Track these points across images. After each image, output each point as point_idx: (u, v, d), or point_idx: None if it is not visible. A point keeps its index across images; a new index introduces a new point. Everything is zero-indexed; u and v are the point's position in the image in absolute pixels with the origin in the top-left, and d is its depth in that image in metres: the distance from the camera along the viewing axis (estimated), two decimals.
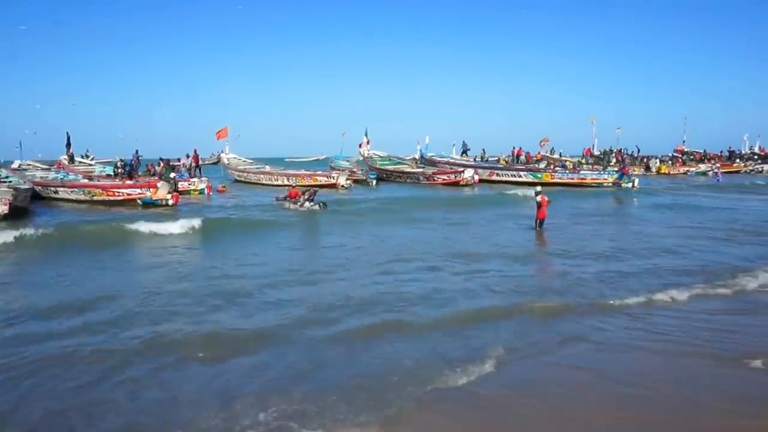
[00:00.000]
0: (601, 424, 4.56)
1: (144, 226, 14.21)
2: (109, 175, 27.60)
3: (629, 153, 47.84)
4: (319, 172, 31.33)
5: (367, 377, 5.30)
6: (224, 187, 27.98)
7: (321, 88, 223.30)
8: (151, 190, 19.71)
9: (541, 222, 14.19)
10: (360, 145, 40.29)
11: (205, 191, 25.06)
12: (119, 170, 27.70)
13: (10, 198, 16.18)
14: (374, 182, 32.44)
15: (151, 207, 19.16)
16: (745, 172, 46.03)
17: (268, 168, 34.17)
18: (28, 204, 18.73)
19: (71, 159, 32.16)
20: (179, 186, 23.48)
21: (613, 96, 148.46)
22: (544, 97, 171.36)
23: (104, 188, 21.01)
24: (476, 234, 14.50)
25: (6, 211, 15.89)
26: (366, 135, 40.07)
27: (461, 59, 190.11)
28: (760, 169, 46.63)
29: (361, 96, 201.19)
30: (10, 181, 20.83)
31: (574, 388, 5.18)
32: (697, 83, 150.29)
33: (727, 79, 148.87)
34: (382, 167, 36.76)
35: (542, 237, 13.71)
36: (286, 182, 30.52)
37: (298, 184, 28.98)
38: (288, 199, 19.86)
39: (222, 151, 36.41)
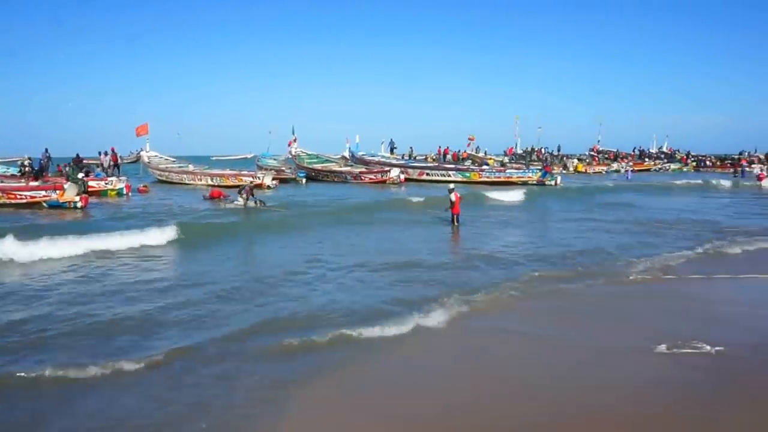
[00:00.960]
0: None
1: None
2: (13, 176, 25.59)
3: (549, 152, 50.17)
4: (245, 172, 30.71)
5: None
6: (146, 187, 26.87)
7: (254, 86, 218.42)
8: (58, 192, 18.48)
9: (456, 217, 15.01)
10: (288, 143, 39.94)
11: (124, 192, 23.97)
12: (26, 169, 25.93)
13: None
14: (304, 181, 32.16)
15: (58, 210, 17.68)
16: (655, 170, 49.61)
17: (191, 167, 33.08)
18: None
19: None
20: (96, 186, 22.44)
21: (535, 97, 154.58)
22: (470, 97, 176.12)
23: (4, 191, 19.38)
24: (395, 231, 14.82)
25: None
26: (293, 133, 39.77)
27: (388, 58, 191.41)
28: (667, 168, 50.58)
29: (291, 94, 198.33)
30: None
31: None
32: (610, 86, 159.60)
33: (637, 82, 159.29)
34: (310, 166, 36.63)
35: (457, 233, 14.49)
36: (210, 182, 29.77)
37: (221, 184, 28.45)
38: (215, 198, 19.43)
39: (142, 149, 34.83)
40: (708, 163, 52.18)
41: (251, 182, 19.59)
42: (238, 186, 23.13)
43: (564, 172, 43.37)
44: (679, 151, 57.08)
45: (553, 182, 30.63)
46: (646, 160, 52.62)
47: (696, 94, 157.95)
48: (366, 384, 5.29)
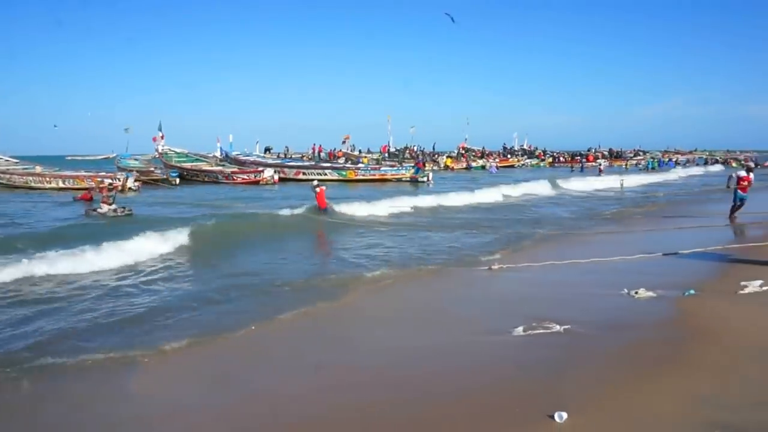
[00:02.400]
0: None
1: None
2: None
3: (422, 149, 52.35)
4: (103, 173, 28.26)
5: None
6: None
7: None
8: None
9: (324, 210, 16.22)
10: (153, 139, 37.59)
11: None
12: None
13: None
14: (177, 181, 30.34)
15: None
16: (519, 166, 53.91)
17: (39, 169, 29.80)
18: None
19: None
20: None
21: (408, 98, 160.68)
22: (347, 96, 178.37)
23: None
24: None
25: None
26: (160, 129, 37.45)
27: (263, 57, 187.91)
28: (529, 164, 55.31)
29: (156, 86, 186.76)
30: None
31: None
32: (479, 86, 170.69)
33: (502, 83, 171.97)
34: (179, 164, 34.72)
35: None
36: (62, 185, 27.01)
37: (75, 186, 25.89)
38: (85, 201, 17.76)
39: None
40: (561, 159, 57.66)
41: (109, 184, 17.71)
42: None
43: (435, 168, 45.41)
44: (537, 148, 62.51)
45: (425, 179, 31.85)
46: (509, 156, 57.01)
47: (552, 97, 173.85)
48: None
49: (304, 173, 33.53)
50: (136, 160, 35.22)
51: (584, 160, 53.02)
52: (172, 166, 33.41)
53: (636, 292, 7.61)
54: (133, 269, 9.80)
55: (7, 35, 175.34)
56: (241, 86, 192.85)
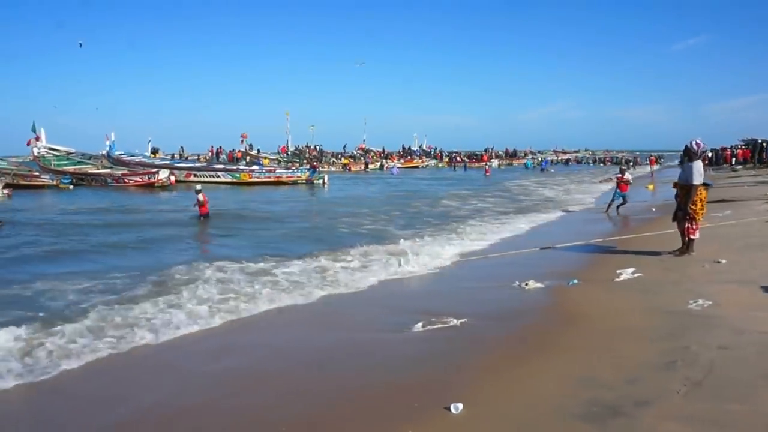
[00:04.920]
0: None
1: None
2: None
3: (321, 150, 52.00)
4: None
5: None
6: None
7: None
8: None
9: (205, 216, 16.22)
10: (28, 143, 34.27)
11: None
12: None
13: None
14: (71, 187, 27.95)
15: None
16: (423, 167, 54.85)
17: None
18: None
19: None
20: None
21: (306, 94, 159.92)
22: (241, 93, 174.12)
23: None
24: None
25: None
26: (34, 130, 34.11)
27: (162, 52, 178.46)
28: (432, 164, 56.47)
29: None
30: None
31: None
32: (377, 87, 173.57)
33: (401, 85, 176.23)
34: (59, 168, 31.90)
35: (205, 226, 15.74)
36: None
37: None
38: None
39: None
40: (459, 159, 59.68)
41: None
42: None
43: (333, 169, 45.32)
44: (436, 148, 64.17)
45: (320, 181, 31.61)
46: (412, 157, 58.00)
47: (448, 99, 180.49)
48: None
49: (195, 175, 32.07)
50: (3, 161, 31.69)
51: (467, 161, 55.18)
52: (51, 170, 30.65)
53: (526, 284, 8.06)
54: None
55: None
56: (135, 83, 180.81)
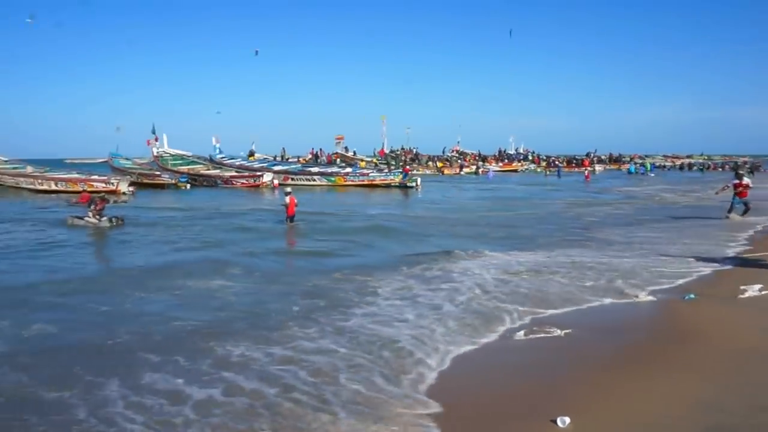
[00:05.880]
0: None
1: None
2: None
3: (417, 152, 51.92)
4: (95, 177, 28.07)
5: None
6: None
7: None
8: None
9: (291, 218, 16.08)
10: (147, 143, 37.15)
11: None
12: None
13: None
14: (188, 186, 30.01)
15: None
16: (522, 170, 52.29)
17: (30, 169, 29.66)
18: None
19: None
20: None
21: (400, 97, 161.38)
22: (339, 95, 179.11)
23: None
24: None
25: None
26: (154, 132, 37.03)
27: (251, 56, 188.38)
28: (528, 168, 53.95)
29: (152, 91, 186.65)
30: None
31: None
32: (471, 89, 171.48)
33: (494, 85, 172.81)
34: (175, 168, 34.42)
35: (291, 229, 15.70)
36: (54, 187, 26.85)
37: (68, 189, 25.76)
38: (82, 204, 16.49)
39: None
40: (557, 163, 56.74)
41: (102, 195, 16.89)
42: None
43: (427, 172, 45.12)
44: (533, 152, 61.42)
45: (414, 184, 31.53)
46: (510, 161, 55.65)
47: (546, 99, 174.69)
48: None
49: (292, 179, 33.03)
50: (127, 160, 34.80)
51: (561, 165, 51.99)
52: (168, 170, 33.18)
53: (636, 296, 7.60)
54: None
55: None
56: (237, 86, 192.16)
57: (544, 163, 57.28)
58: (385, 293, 8.33)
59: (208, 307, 7.75)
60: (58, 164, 35.38)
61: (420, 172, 41.97)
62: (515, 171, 51.64)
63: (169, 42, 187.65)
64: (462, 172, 48.02)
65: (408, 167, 36.57)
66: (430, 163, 49.36)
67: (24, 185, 27.69)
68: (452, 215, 19.24)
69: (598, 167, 53.32)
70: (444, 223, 17.19)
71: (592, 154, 59.69)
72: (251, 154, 42.33)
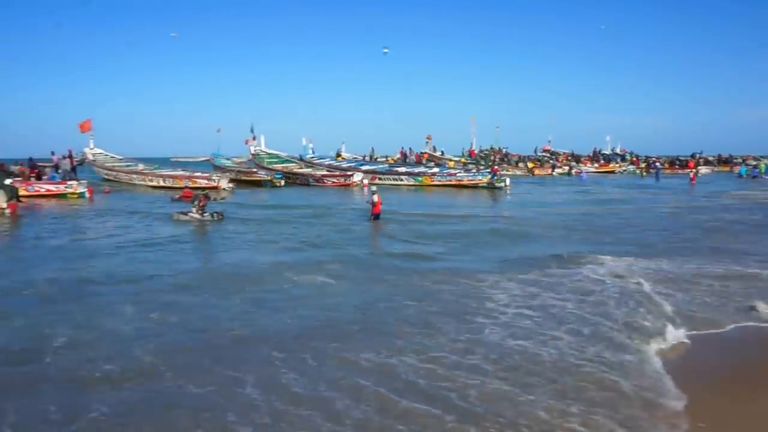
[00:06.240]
0: None
1: None
2: None
3: (507, 152, 50.59)
4: (198, 174, 29.89)
5: None
6: (109, 189, 26.68)
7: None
8: None
9: (376, 216, 16.67)
10: (246, 142, 39.01)
11: (86, 195, 23.58)
12: None
13: None
14: (282, 182, 31.34)
15: None
16: (620, 172, 48.85)
17: (141, 167, 32.13)
18: None
19: None
20: (55, 189, 23.36)
21: (488, 95, 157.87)
22: (426, 95, 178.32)
23: None
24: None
25: None
26: (252, 132, 38.90)
27: (337, 56, 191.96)
28: (627, 170, 50.27)
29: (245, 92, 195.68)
30: None
31: None
32: (560, 87, 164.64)
33: (588, 83, 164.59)
34: (270, 166, 35.88)
35: (376, 225, 16.23)
36: (162, 183, 28.90)
37: (174, 185, 27.63)
38: (187, 200, 17.74)
39: (87, 147, 33.14)
40: (658, 164, 52.51)
41: (205, 193, 18.04)
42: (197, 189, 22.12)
43: (518, 173, 43.81)
44: (631, 153, 57.42)
45: (502, 185, 30.78)
46: (607, 161, 52.51)
47: (646, 95, 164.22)
48: None
49: (379, 178, 33.25)
50: (227, 159, 36.88)
51: (660, 167, 47.67)
52: (264, 168, 34.67)
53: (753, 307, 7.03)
54: None
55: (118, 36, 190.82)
56: (327, 86, 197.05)
57: (643, 164, 53.17)
58: (503, 299, 8.09)
59: (320, 307, 7.90)
60: (165, 162, 38.07)
61: (510, 173, 40.96)
62: (612, 172, 48.75)
63: (257, 47, 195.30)
64: (554, 173, 46.21)
65: (496, 167, 35.69)
66: (521, 163, 47.88)
67: (136, 181, 30.07)
68: (547, 217, 18.58)
69: (704, 169, 49.30)
70: (540, 225, 16.64)
71: (697, 155, 55.17)
72: (338, 154, 43.32)
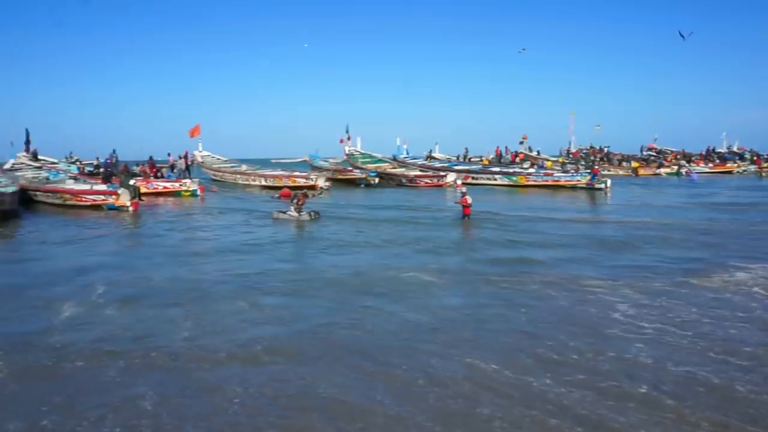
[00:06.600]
0: None
1: None
2: (90, 173, 28.31)
3: (608, 151, 47.61)
4: (297, 173, 31.18)
5: None
6: (216, 188, 28.65)
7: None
8: (113, 197, 20.44)
9: (466, 216, 16.84)
10: (340, 141, 39.95)
11: (198, 193, 25.45)
12: (100, 170, 27.91)
13: None
14: (376, 180, 31.94)
15: (114, 211, 19.96)
16: (740, 172, 44.00)
17: (244, 167, 33.99)
18: (17, 206, 19.45)
19: (35, 158, 31.41)
20: (171, 187, 25.58)
21: (587, 92, 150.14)
22: (519, 93, 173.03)
23: (74, 194, 21.61)
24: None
25: None
26: (347, 132, 39.85)
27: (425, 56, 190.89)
28: (747, 170, 45.29)
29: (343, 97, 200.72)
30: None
31: None
32: (668, 82, 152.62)
33: (699, 77, 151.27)
34: (363, 166, 36.57)
35: (468, 226, 16.28)
36: (263, 183, 30.41)
37: (274, 185, 28.96)
38: (285, 199, 18.53)
39: (196, 150, 35.64)
40: None
41: (303, 192, 18.65)
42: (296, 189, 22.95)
43: (620, 173, 41.33)
44: (751, 150, 51.82)
45: (602, 186, 29.17)
46: (723, 160, 47.76)
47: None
48: None
49: (473, 178, 32.81)
50: (325, 161, 38.14)
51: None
52: (358, 167, 35.40)
53: None
54: None
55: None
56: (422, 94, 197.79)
57: (766, 164, 47.60)
58: (630, 311, 7.49)
59: (427, 309, 7.95)
60: (266, 163, 40.00)
61: (612, 173, 38.86)
62: (728, 173, 44.24)
63: (370, 54, 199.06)
64: (662, 173, 42.96)
65: (597, 168, 33.85)
66: (624, 163, 45.02)
67: (240, 181, 31.95)
68: (660, 220, 17.33)
69: None
70: (652, 229, 15.48)
71: None
72: (429, 155, 43.24)
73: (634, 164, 44.07)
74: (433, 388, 5.35)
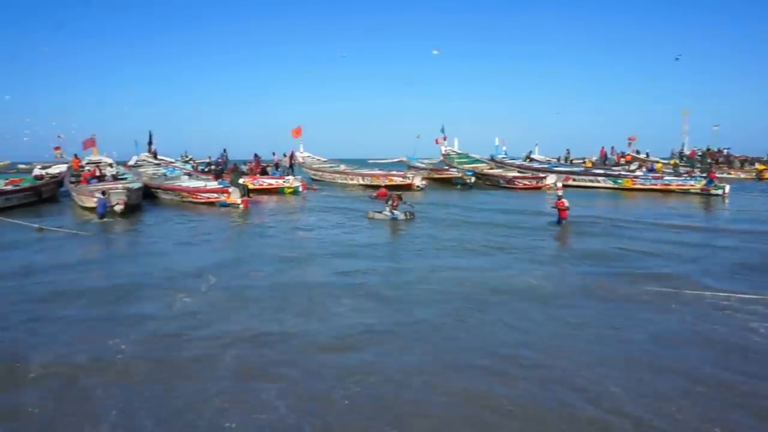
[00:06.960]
0: None
1: None
2: (203, 171, 31.02)
3: (726, 153, 43.59)
4: (394, 172, 31.62)
5: None
6: (316, 187, 29.95)
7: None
8: (225, 194, 22.15)
9: (563, 220, 16.60)
10: (436, 141, 39.87)
11: (300, 190, 26.75)
12: (213, 168, 30.15)
13: (125, 198, 19.39)
14: (472, 179, 31.81)
15: (227, 208, 21.53)
16: None
17: (343, 167, 35.00)
18: (140, 201, 21.74)
19: (155, 156, 34.38)
20: (275, 184, 27.27)
21: (709, 88, 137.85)
22: (626, 93, 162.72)
23: (190, 192, 23.67)
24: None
25: (122, 209, 19.01)
26: (442, 132, 39.72)
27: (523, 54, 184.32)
28: None
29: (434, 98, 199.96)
30: (125, 178, 24.69)
31: None
32: None
33: None
34: (459, 166, 36.25)
35: (566, 230, 16.08)
36: (361, 182, 31.15)
37: (372, 183, 29.56)
38: (382, 199, 18.96)
39: (298, 150, 37.04)
40: None
41: (399, 194, 18.79)
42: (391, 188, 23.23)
43: (742, 176, 37.81)
44: None
45: (719, 191, 26.66)
46: None
47: None
48: None
49: (574, 179, 31.52)
50: (421, 162, 38.35)
51: None
52: (454, 167, 35.14)
53: None
54: None
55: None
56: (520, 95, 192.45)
57: None
58: None
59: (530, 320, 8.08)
60: (363, 163, 41.00)
61: (732, 176, 35.69)
62: None
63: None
64: None
65: (714, 172, 31.01)
66: (747, 165, 41.08)
67: (339, 180, 32.96)
68: None
69: None
70: None
71: None
72: (528, 156, 42.07)
73: (758, 167, 39.96)
74: None
